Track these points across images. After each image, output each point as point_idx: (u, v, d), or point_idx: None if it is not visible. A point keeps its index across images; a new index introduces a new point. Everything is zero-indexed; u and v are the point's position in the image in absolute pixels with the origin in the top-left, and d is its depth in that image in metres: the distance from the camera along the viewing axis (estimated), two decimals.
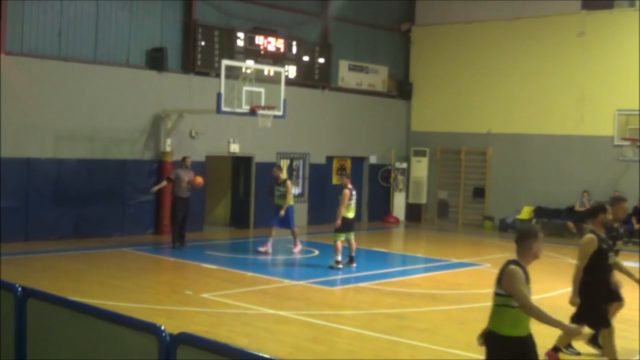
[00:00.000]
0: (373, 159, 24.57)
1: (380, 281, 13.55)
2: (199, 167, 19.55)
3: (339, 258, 14.41)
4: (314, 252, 16.92)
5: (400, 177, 24.88)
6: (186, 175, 16.45)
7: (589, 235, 8.21)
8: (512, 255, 5.86)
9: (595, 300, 8.26)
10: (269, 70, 18.36)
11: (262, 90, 16.90)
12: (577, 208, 21.58)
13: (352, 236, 14.76)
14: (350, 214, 14.68)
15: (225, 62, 16.86)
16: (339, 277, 14.08)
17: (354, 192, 14.69)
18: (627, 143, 20.86)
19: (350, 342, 9.22)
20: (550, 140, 22.69)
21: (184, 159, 16.87)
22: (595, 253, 8.15)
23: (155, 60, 18.65)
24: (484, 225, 23.58)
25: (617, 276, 9.34)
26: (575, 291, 8.29)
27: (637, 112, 20.71)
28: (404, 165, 25.02)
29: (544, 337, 7.70)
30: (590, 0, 22.25)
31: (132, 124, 18.37)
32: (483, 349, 5.90)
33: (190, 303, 11.20)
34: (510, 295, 5.61)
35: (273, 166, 17.82)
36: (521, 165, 23.23)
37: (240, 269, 14.29)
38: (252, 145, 20.71)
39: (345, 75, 23.68)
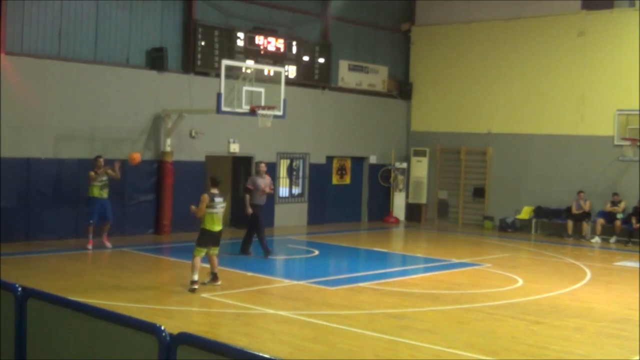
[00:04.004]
0: (373, 159, 24.57)
1: (380, 281, 13.54)
2: (197, 167, 19.58)
3: (195, 277, 11.91)
4: (314, 252, 16.92)
5: (400, 177, 24.87)
6: (262, 182, 15.82)
7: None
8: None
9: None
10: (269, 70, 18.35)
11: (262, 90, 16.88)
12: (574, 211, 21.49)
13: (215, 252, 12.37)
14: (216, 227, 12.15)
15: (225, 62, 16.84)
16: (339, 277, 14.08)
17: (216, 199, 12.07)
18: (627, 143, 20.85)
19: (350, 342, 9.22)
20: (550, 140, 22.69)
21: (257, 164, 16.40)
22: None
23: (155, 60, 18.65)
24: (484, 225, 23.58)
25: None
26: None
27: (637, 112, 20.70)
28: (404, 165, 25.02)
29: None
30: (590, 0, 22.25)
31: (132, 124, 18.37)
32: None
33: (190, 303, 11.20)
34: None
35: (97, 156, 16.37)
36: (521, 165, 23.23)
37: (240, 269, 14.27)
38: (252, 145, 20.70)
39: (345, 75, 23.68)
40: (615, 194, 20.98)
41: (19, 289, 5.44)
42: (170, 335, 4.32)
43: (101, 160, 16.09)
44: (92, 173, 15.97)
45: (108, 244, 16.04)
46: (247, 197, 15.74)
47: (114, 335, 4.68)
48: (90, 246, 15.83)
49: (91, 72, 17.59)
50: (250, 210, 15.61)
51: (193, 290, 11.75)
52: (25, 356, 5.38)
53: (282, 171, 22.02)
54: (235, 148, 20.34)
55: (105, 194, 16.02)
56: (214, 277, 12.38)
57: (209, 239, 12.13)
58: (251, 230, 15.90)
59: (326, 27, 22.95)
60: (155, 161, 18.66)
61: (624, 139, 20.94)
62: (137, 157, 16.34)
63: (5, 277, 6.53)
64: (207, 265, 12.43)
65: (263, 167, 16.03)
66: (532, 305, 11.86)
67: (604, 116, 21.62)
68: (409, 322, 10.38)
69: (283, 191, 22.10)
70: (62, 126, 17.16)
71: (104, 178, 16.02)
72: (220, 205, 12.10)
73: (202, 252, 12.11)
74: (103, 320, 4.81)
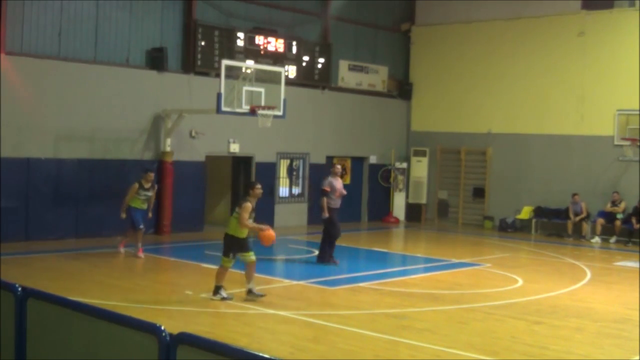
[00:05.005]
0: (373, 159, 24.57)
1: (380, 281, 13.54)
2: (197, 167, 19.59)
3: (223, 294, 11.29)
4: (314, 252, 16.90)
5: (400, 177, 24.87)
6: (338, 184, 14.89)
7: None
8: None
9: None
10: (269, 70, 18.34)
11: (262, 90, 16.89)
12: (571, 215, 21.39)
13: (243, 258, 11.31)
14: (236, 231, 11.23)
15: (225, 62, 16.85)
16: (339, 277, 14.07)
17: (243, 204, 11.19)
18: (627, 143, 20.84)
19: (350, 342, 9.21)
20: (550, 140, 22.69)
21: (333, 165, 15.67)
22: None
23: (155, 60, 18.65)
24: (484, 225, 23.58)
25: None
26: None
27: (637, 112, 20.71)
28: (404, 165, 25.02)
29: None
30: (590, 0, 22.25)
31: (132, 124, 18.36)
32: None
33: (190, 303, 11.19)
34: None
35: (147, 169, 15.86)
36: (521, 165, 23.24)
37: (241, 269, 14.22)
38: (252, 145, 20.70)
39: (345, 75, 23.68)
40: (615, 192, 20.97)
41: (19, 289, 5.44)
42: (170, 335, 4.32)
43: (151, 174, 15.43)
44: (137, 186, 15.12)
45: (122, 250, 15.56)
46: (325, 199, 14.66)
47: (114, 335, 4.68)
48: (141, 254, 15.15)
49: (91, 72, 17.59)
50: (326, 214, 14.73)
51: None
52: (25, 356, 5.38)
53: (282, 171, 22.02)
54: (235, 148, 20.34)
55: (145, 205, 15.42)
56: (247, 292, 11.37)
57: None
58: (328, 235, 15.03)
59: (326, 27, 22.95)
60: (155, 161, 18.66)
61: (624, 139, 20.94)
62: (272, 236, 11.70)
63: (5, 277, 6.53)
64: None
65: (339, 168, 15.13)
66: (532, 305, 11.86)
67: (604, 116, 21.63)
68: (409, 322, 10.38)
69: (283, 191, 22.11)
70: (62, 126, 17.16)
71: (149, 194, 15.34)
72: (237, 209, 11.27)
73: (226, 261, 11.30)
74: (103, 320, 4.81)
